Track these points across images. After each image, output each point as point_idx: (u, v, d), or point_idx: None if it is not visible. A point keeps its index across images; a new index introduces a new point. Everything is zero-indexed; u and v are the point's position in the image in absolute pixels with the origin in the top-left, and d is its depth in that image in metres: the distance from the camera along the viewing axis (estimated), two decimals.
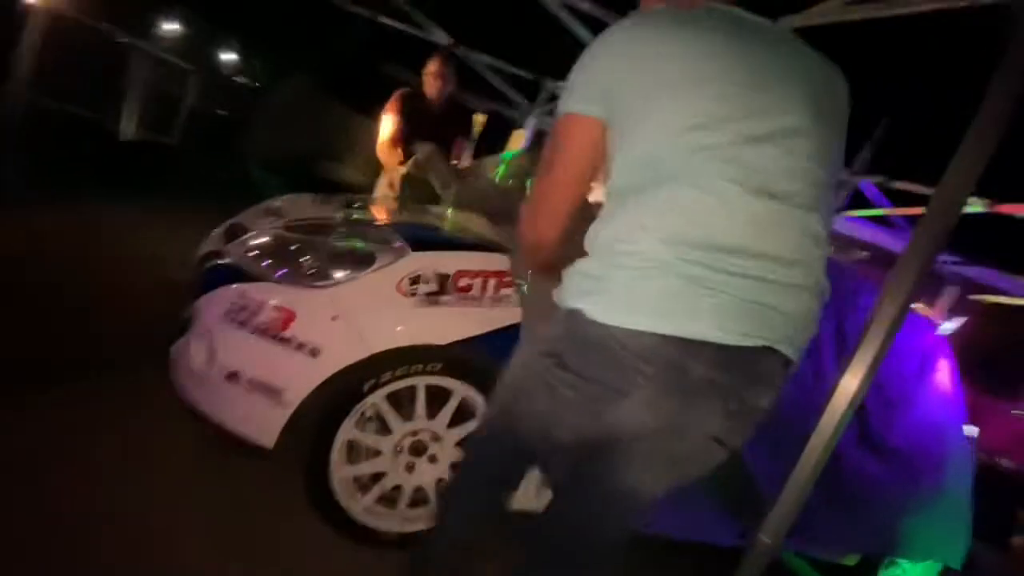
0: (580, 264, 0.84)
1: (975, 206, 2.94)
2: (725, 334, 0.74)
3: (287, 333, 1.36)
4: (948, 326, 3.70)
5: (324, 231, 1.58)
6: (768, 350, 0.78)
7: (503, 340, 1.49)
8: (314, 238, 1.54)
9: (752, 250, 0.75)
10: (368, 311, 1.40)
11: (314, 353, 1.35)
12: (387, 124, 2.75)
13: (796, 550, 2.10)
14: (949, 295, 3.95)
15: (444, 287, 1.47)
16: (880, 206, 3.86)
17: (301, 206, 1.92)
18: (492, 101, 6.40)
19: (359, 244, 1.51)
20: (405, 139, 2.70)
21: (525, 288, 1.31)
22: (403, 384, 1.44)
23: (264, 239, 1.57)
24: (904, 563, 2.30)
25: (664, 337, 0.74)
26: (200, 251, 1.71)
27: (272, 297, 1.39)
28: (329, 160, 6.92)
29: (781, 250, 0.77)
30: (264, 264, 1.49)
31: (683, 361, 0.75)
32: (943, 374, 2.22)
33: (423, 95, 2.83)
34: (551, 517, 0.93)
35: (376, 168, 3.03)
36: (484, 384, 1.52)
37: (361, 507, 1.49)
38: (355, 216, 1.72)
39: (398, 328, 1.41)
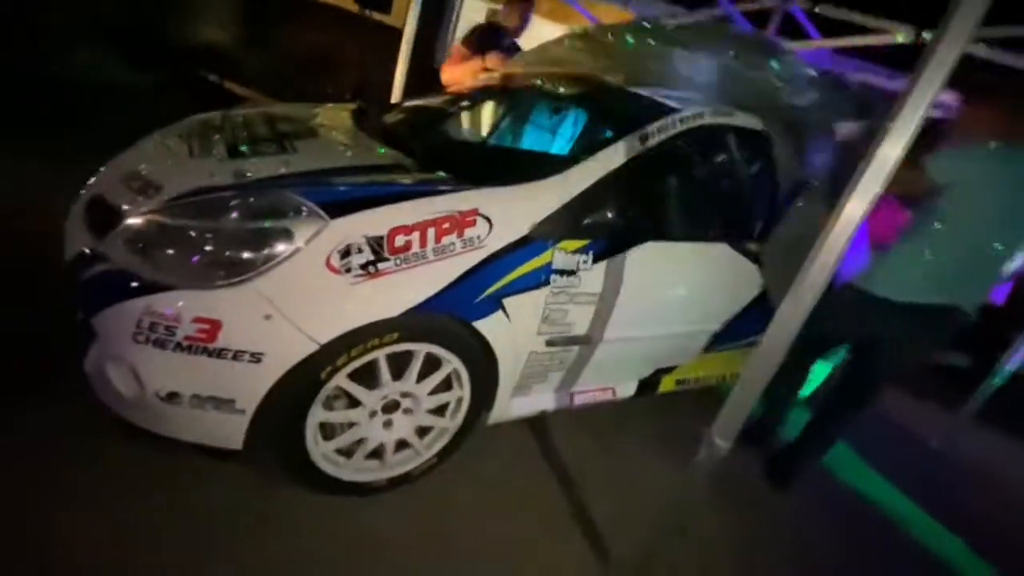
0: None
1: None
2: None
3: (218, 344, 1.21)
4: None
5: (218, 209, 1.31)
6: None
7: (455, 295, 1.42)
8: (210, 222, 1.28)
9: None
10: (302, 301, 1.25)
11: (256, 358, 1.23)
12: (463, 69, 2.44)
13: None
14: None
15: (380, 252, 1.31)
16: (810, 35, 3.64)
17: (172, 162, 1.56)
18: None
19: (267, 222, 1.28)
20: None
21: None
22: (362, 362, 1.37)
23: (148, 230, 1.30)
24: None
25: None
26: (68, 250, 1.41)
27: (186, 308, 1.20)
28: (218, 48, 5.66)
29: None
30: (160, 266, 1.25)
31: None
32: None
33: (499, 28, 2.45)
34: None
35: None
36: (446, 341, 1.49)
37: (350, 470, 1.54)
38: (248, 174, 1.42)
39: (340, 312, 1.28)
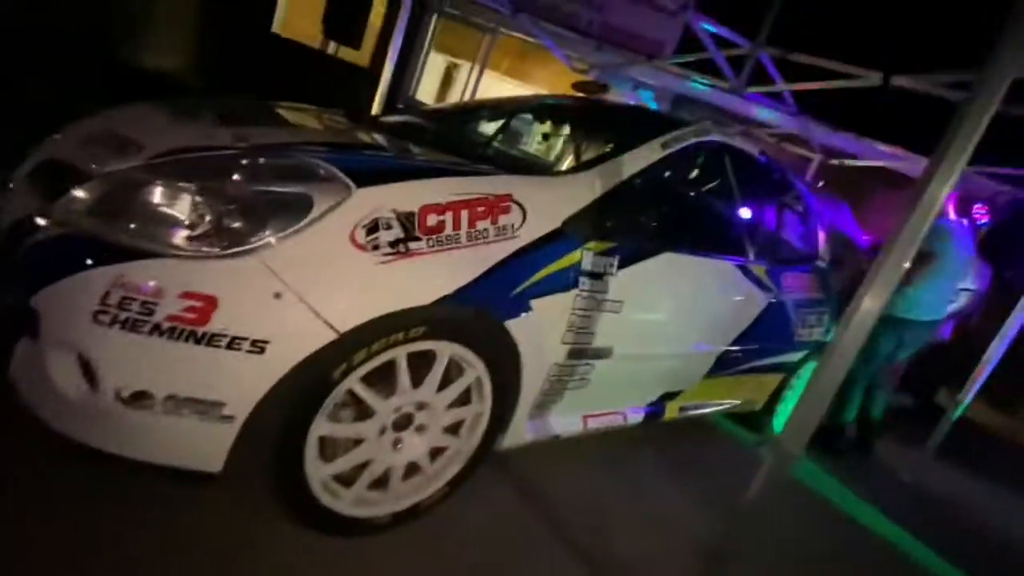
0: None
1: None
2: None
3: (210, 327, 0.96)
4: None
5: (220, 168, 1.09)
6: None
7: (489, 288, 1.25)
8: (211, 181, 1.06)
9: None
10: (320, 280, 1.03)
11: (259, 348, 0.99)
12: None
13: None
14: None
15: (411, 231, 1.13)
16: (775, 80, 3.99)
17: (154, 125, 1.32)
18: None
19: (281, 186, 1.07)
20: None
21: None
22: (381, 361, 1.15)
23: (126, 187, 1.05)
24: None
25: None
26: (5, 217, 1.11)
27: (173, 279, 0.95)
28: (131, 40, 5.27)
29: None
30: (141, 229, 1.00)
31: None
32: None
33: None
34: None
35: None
36: (475, 341, 1.29)
37: (349, 502, 1.26)
38: (249, 139, 1.21)
39: (366, 295, 1.07)
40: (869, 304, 1.14)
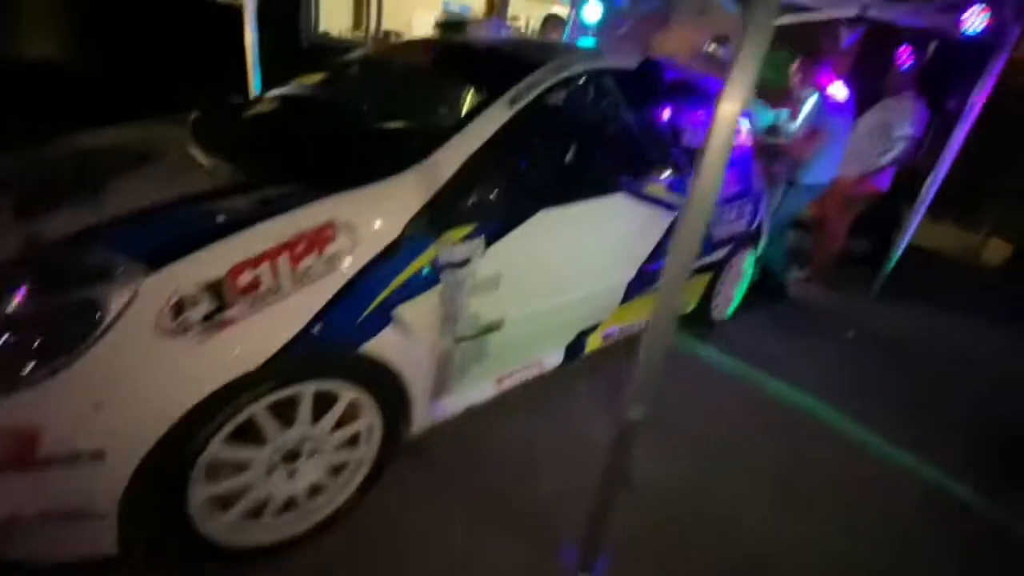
0: None
1: None
2: None
3: (42, 454, 1.00)
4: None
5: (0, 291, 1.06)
6: None
7: (331, 322, 1.26)
8: None
9: None
10: (136, 378, 1.05)
11: (99, 456, 1.04)
12: None
13: None
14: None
15: (222, 299, 1.12)
16: None
17: None
18: None
19: (69, 295, 1.04)
20: None
21: None
22: (236, 423, 1.20)
23: None
24: None
25: None
26: None
27: None
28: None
29: None
30: None
31: None
32: None
33: None
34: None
35: None
36: (333, 373, 1.33)
37: (263, 531, 1.39)
38: (43, 236, 1.16)
39: (188, 379, 1.09)
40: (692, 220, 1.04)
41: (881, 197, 3.71)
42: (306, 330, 1.21)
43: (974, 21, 2.36)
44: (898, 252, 3.31)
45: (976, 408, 2.89)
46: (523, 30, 7.41)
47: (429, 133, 1.57)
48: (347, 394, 1.38)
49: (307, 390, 1.30)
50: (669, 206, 2.28)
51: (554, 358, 2.13)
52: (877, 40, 3.60)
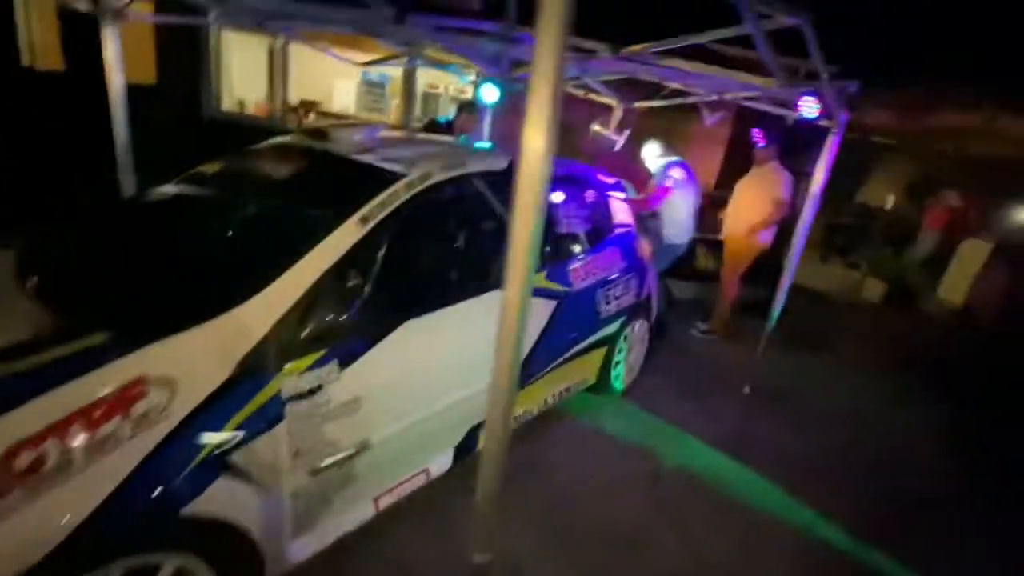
0: None
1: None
2: None
3: None
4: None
5: None
6: None
7: (140, 490, 1.14)
8: None
9: None
10: None
11: None
12: None
13: None
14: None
15: None
16: None
17: None
18: None
19: None
20: None
21: None
22: None
23: None
24: None
25: None
26: None
27: None
28: None
29: None
30: None
31: None
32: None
33: None
34: None
35: None
36: (148, 546, 1.19)
37: None
38: None
39: None
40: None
41: (767, 251, 4.01)
42: (105, 506, 1.08)
43: (807, 108, 2.67)
44: (780, 303, 3.51)
45: (859, 456, 3.06)
46: (441, 96, 7.58)
47: (270, 259, 1.51)
48: (170, 563, 1.23)
49: (113, 571, 1.14)
50: (550, 294, 2.33)
51: (442, 462, 2.04)
52: (745, 120, 4.01)
